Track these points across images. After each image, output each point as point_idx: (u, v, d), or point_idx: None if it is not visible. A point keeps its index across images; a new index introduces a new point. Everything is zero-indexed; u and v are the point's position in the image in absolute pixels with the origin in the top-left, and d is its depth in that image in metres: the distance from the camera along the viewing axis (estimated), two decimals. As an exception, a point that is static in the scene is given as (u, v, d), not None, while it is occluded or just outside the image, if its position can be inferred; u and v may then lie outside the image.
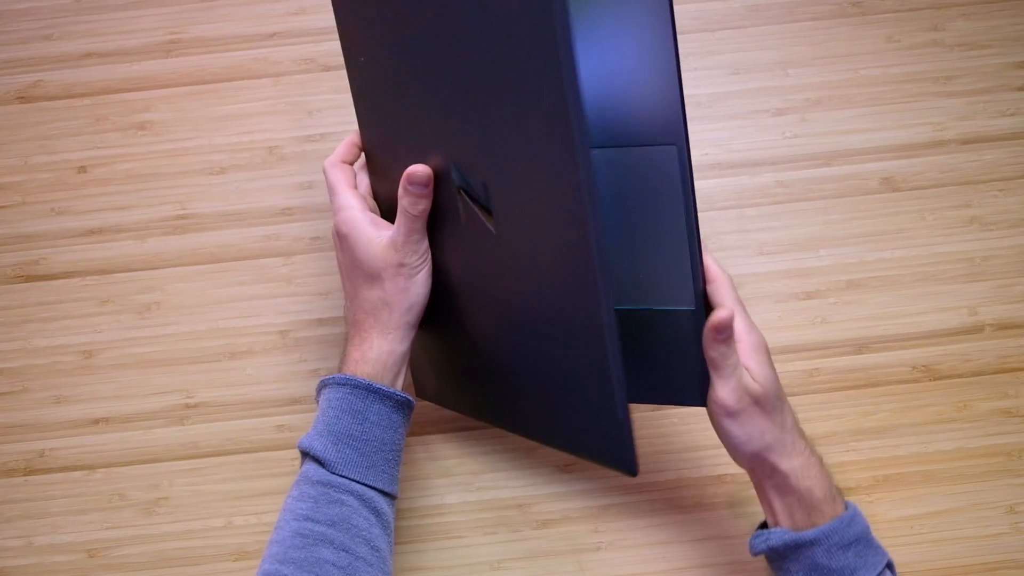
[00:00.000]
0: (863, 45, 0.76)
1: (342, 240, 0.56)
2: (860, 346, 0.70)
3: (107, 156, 0.75)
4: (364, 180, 0.60)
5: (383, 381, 0.55)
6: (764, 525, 0.57)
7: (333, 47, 0.77)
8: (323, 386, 0.56)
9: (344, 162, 0.59)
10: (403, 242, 0.54)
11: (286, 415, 0.69)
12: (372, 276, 0.55)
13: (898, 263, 0.72)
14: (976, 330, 0.70)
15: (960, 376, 0.70)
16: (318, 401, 0.56)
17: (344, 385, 0.54)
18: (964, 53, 0.76)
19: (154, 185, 0.74)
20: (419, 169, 0.54)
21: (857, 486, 0.68)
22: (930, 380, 0.70)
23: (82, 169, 0.74)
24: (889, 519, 0.67)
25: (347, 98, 0.75)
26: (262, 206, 0.73)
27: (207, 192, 0.74)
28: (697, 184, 0.73)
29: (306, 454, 0.54)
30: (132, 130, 0.75)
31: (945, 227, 0.72)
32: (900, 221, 0.73)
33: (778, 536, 0.53)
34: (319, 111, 0.75)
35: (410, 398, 0.56)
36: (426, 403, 0.69)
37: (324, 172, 0.58)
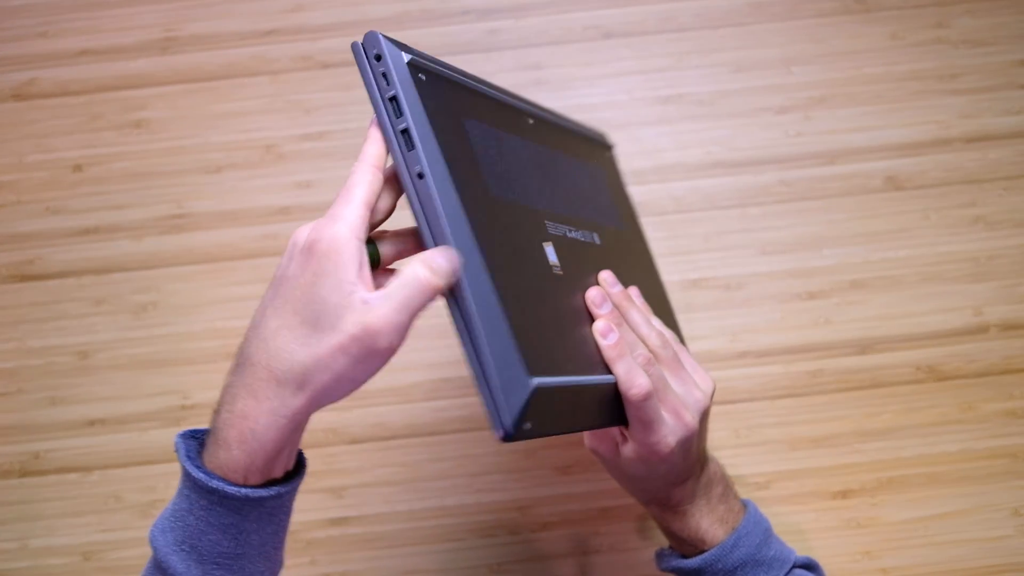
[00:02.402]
0: (867, 42, 0.75)
1: (311, 255, 0.40)
2: (864, 347, 0.69)
3: (102, 155, 0.74)
4: (386, 202, 0.44)
5: (269, 472, 0.41)
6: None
7: (331, 44, 0.76)
8: (185, 472, 0.40)
9: (378, 168, 0.43)
10: (407, 323, 0.39)
11: (284, 416, 0.69)
12: (325, 328, 0.38)
13: (902, 263, 0.71)
14: (981, 330, 0.70)
15: (965, 377, 0.69)
16: (177, 452, 0.42)
17: (211, 494, 0.39)
18: (969, 50, 0.75)
19: (150, 184, 0.73)
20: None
21: (861, 488, 0.67)
22: (935, 381, 0.69)
23: (77, 168, 0.74)
24: (893, 521, 0.66)
25: (345, 95, 0.75)
26: (259, 205, 0.73)
27: (204, 191, 0.73)
28: (699, 183, 0.73)
29: (159, 562, 0.41)
30: (128, 128, 0.74)
31: (950, 226, 0.72)
32: (904, 220, 0.72)
33: (666, 561, 0.53)
34: (317, 109, 0.74)
35: (302, 463, 0.44)
36: (424, 405, 0.68)
37: (351, 172, 0.43)
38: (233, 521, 0.40)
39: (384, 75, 0.42)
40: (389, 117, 0.42)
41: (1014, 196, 0.72)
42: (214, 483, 0.39)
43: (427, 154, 0.41)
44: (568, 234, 0.51)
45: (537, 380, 0.40)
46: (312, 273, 0.39)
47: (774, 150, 0.73)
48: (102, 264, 0.72)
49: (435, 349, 0.69)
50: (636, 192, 0.72)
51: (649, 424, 0.46)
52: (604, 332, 0.47)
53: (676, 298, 0.70)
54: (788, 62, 0.75)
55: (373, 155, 0.43)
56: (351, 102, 0.75)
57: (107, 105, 0.75)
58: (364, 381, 0.40)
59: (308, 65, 0.75)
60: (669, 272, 0.70)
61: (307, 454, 0.45)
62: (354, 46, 0.43)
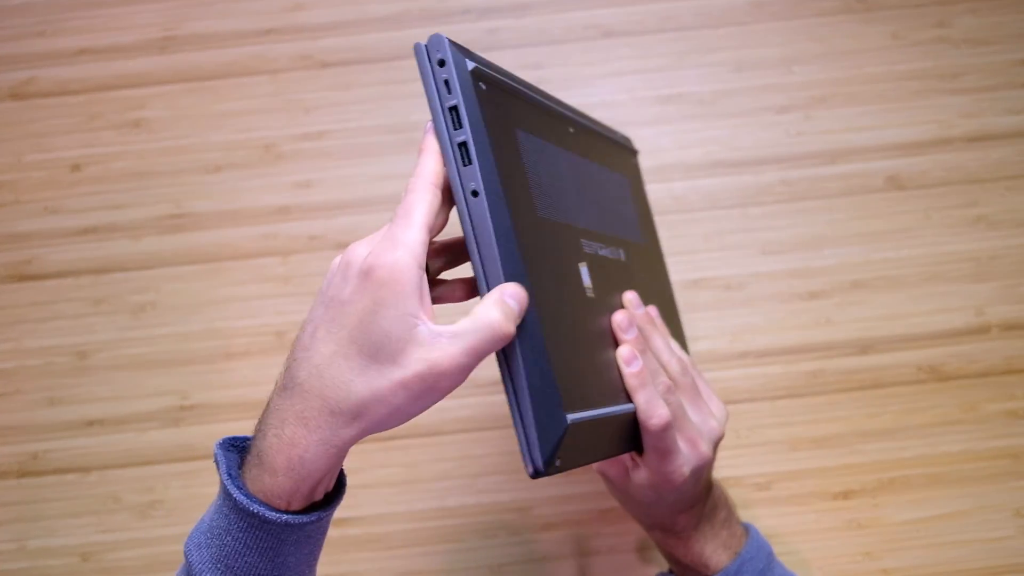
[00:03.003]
0: (868, 42, 0.75)
1: (369, 281, 0.38)
2: (865, 347, 0.69)
3: (101, 154, 0.74)
4: (440, 218, 0.41)
5: (312, 497, 0.40)
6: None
7: (331, 43, 0.76)
8: (226, 491, 0.39)
9: (437, 186, 0.41)
10: (471, 367, 0.39)
11: (283, 417, 0.69)
12: (384, 361, 0.37)
13: (903, 263, 0.71)
14: (983, 331, 0.70)
15: (966, 377, 0.69)
16: (217, 466, 0.41)
17: (252, 517, 0.38)
18: (970, 50, 0.75)
19: (149, 184, 0.73)
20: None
21: (862, 488, 0.67)
22: (936, 381, 0.69)
23: (76, 167, 0.74)
24: (895, 522, 0.66)
25: (344, 95, 0.75)
26: (258, 205, 0.73)
27: (202, 191, 0.73)
28: (700, 183, 0.73)
29: None
30: (126, 128, 0.74)
31: (951, 226, 0.71)
32: (905, 220, 0.72)
33: None
34: (316, 108, 0.74)
35: (342, 482, 0.43)
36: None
37: (409, 189, 0.40)
38: (272, 544, 0.39)
39: (446, 82, 0.41)
40: (447, 127, 0.41)
41: (1016, 196, 0.72)
42: (256, 508, 0.38)
43: (483, 171, 0.40)
44: (599, 252, 0.50)
45: (571, 417, 0.39)
46: (371, 300, 0.37)
47: (775, 150, 0.73)
48: (101, 264, 0.72)
49: (435, 349, 0.69)
50: (636, 192, 0.72)
51: (666, 453, 0.45)
52: (628, 360, 0.46)
53: (676, 298, 0.70)
54: (789, 61, 0.75)
55: (432, 172, 0.40)
56: (351, 101, 0.74)
57: (106, 104, 0.75)
58: (415, 415, 0.40)
59: (308, 64, 0.75)
60: (670, 272, 0.70)
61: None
62: (417, 48, 0.42)
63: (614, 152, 0.61)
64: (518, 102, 0.47)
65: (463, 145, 0.40)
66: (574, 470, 0.64)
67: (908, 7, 0.75)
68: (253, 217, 0.72)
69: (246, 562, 0.39)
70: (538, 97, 0.50)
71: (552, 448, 0.39)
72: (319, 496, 0.41)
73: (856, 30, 0.75)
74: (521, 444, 0.39)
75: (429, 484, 0.67)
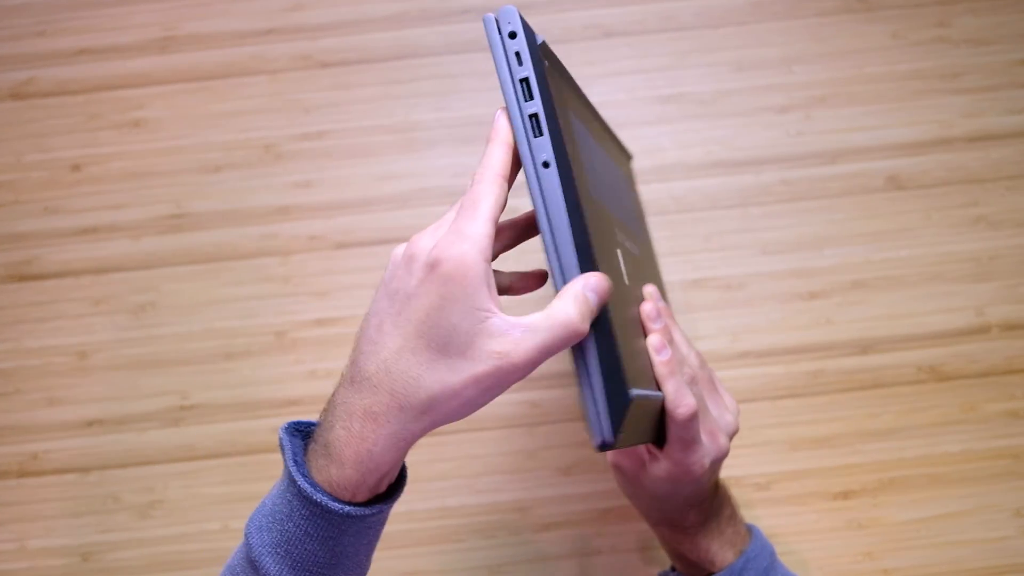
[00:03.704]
0: (868, 41, 0.75)
1: (435, 274, 0.37)
2: (865, 347, 0.69)
3: (101, 154, 0.74)
4: (500, 201, 0.40)
5: (377, 489, 0.40)
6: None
7: (330, 43, 0.76)
8: (291, 477, 0.39)
9: (505, 178, 0.40)
10: (540, 363, 0.38)
11: (283, 417, 0.68)
12: (454, 355, 0.37)
13: (904, 263, 0.71)
14: (983, 331, 0.69)
15: (967, 377, 0.69)
16: (282, 451, 0.41)
17: (315, 506, 0.38)
18: (971, 49, 0.75)
19: (149, 184, 0.73)
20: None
21: (862, 489, 0.67)
22: (936, 381, 0.69)
23: (76, 167, 0.73)
24: (895, 522, 0.66)
25: (344, 95, 0.75)
26: (258, 205, 0.73)
27: (202, 191, 0.73)
28: (700, 182, 0.72)
29: (253, 560, 0.40)
30: (126, 128, 0.74)
31: (952, 226, 0.71)
32: (906, 220, 0.72)
33: None
34: (316, 108, 0.74)
35: (404, 475, 0.43)
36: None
37: (476, 180, 0.40)
38: (333, 534, 0.39)
39: (518, 55, 0.41)
40: (518, 99, 0.41)
41: (1016, 196, 0.72)
42: (320, 497, 0.38)
43: (554, 142, 0.40)
44: (625, 242, 0.50)
45: (634, 392, 0.39)
46: (439, 296, 0.37)
47: (775, 149, 0.73)
48: (100, 264, 0.72)
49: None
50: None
51: (689, 444, 0.45)
52: (659, 348, 0.45)
53: (677, 298, 0.70)
54: (789, 61, 0.75)
55: (500, 163, 0.40)
56: (350, 101, 0.74)
57: (105, 104, 0.74)
58: (481, 407, 0.40)
59: (307, 64, 0.75)
60: (670, 272, 0.70)
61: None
62: (487, 20, 0.42)
63: (620, 152, 0.62)
64: (568, 85, 0.47)
65: (534, 116, 0.40)
66: (577, 472, 0.64)
67: (908, 7, 0.75)
68: (253, 217, 0.72)
69: (306, 549, 0.39)
70: (577, 85, 0.51)
71: (619, 420, 0.38)
72: (383, 488, 0.41)
73: (856, 30, 0.75)
74: (591, 416, 0.39)
75: (429, 484, 0.67)
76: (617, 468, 0.51)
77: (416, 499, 0.67)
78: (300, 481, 0.39)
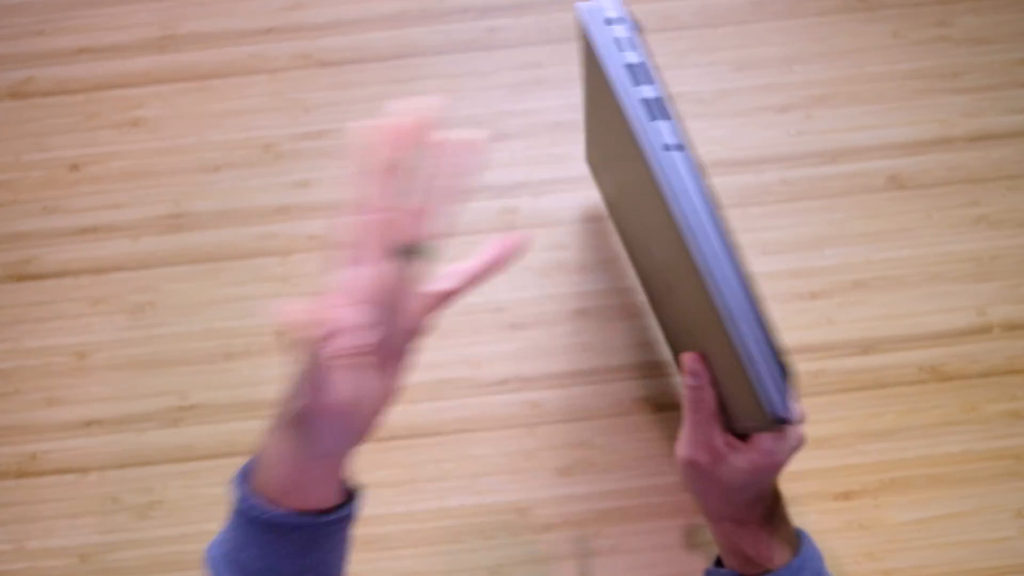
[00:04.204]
0: (869, 41, 0.75)
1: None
2: (866, 347, 0.69)
3: (100, 153, 0.73)
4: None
5: (305, 502, 0.41)
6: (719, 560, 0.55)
7: (329, 43, 0.76)
8: (239, 508, 0.42)
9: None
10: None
11: (282, 417, 0.68)
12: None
13: (905, 262, 0.71)
14: (984, 331, 0.69)
15: (968, 377, 0.68)
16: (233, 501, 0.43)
17: (243, 514, 0.41)
18: (971, 49, 0.74)
19: (148, 183, 0.73)
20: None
21: (863, 489, 0.67)
22: (937, 381, 0.68)
23: (75, 167, 0.73)
24: (896, 523, 0.66)
25: (343, 94, 0.75)
26: (258, 204, 0.72)
27: (202, 190, 0.73)
28: (700, 182, 0.72)
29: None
30: (125, 127, 0.74)
31: (952, 226, 0.71)
32: (907, 220, 0.71)
33: None
34: (316, 108, 0.74)
35: (351, 502, 0.44)
36: (424, 405, 0.68)
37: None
38: (269, 540, 0.41)
39: (628, 40, 0.40)
40: (629, 84, 0.39)
41: (1017, 195, 0.72)
42: (246, 504, 0.41)
43: (678, 124, 0.39)
44: None
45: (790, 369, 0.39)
46: None
47: (775, 149, 0.73)
48: (100, 264, 0.72)
49: (435, 349, 0.69)
50: (637, 191, 0.72)
51: (780, 433, 0.46)
52: None
53: (677, 298, 0.70)
54: (789, 60, 0.74)
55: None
56: (350, 101, 0.74)
57: (105, 104, 0.74)
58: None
59: (307, 64, 0.75)
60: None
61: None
62: (586, 7, 0.40)
63: None
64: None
65: (654, 101, 0.39)
66: (576, 473, 0.63)
67: (909, 6, 0.75)
68: (252, 217, 0.72)
69: (248, 555, 0.42)
70: None
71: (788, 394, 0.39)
72: (320, 504, 0.42)
73: (857, 29, 0.75)
74: (767, 392, 0.39)
75: (429, 484, 0.67)
76: (691, 464, 0.50)
77: (415, 499, 0.67)
78: (235, 492, 0.42)
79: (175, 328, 0.70)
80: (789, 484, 0.67)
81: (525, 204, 0.72)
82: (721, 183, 0.72)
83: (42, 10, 0.76)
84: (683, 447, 0.51)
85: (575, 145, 0.74)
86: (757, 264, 0.71)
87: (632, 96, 0.39)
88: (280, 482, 0.40)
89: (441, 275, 0.42)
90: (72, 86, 0.75)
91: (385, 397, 0.41)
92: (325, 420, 0.38)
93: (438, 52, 0.75)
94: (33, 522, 0.67)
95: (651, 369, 0.69)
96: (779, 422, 0.39)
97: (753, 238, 0.71)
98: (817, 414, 0.68)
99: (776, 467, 0.48)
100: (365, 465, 0.68)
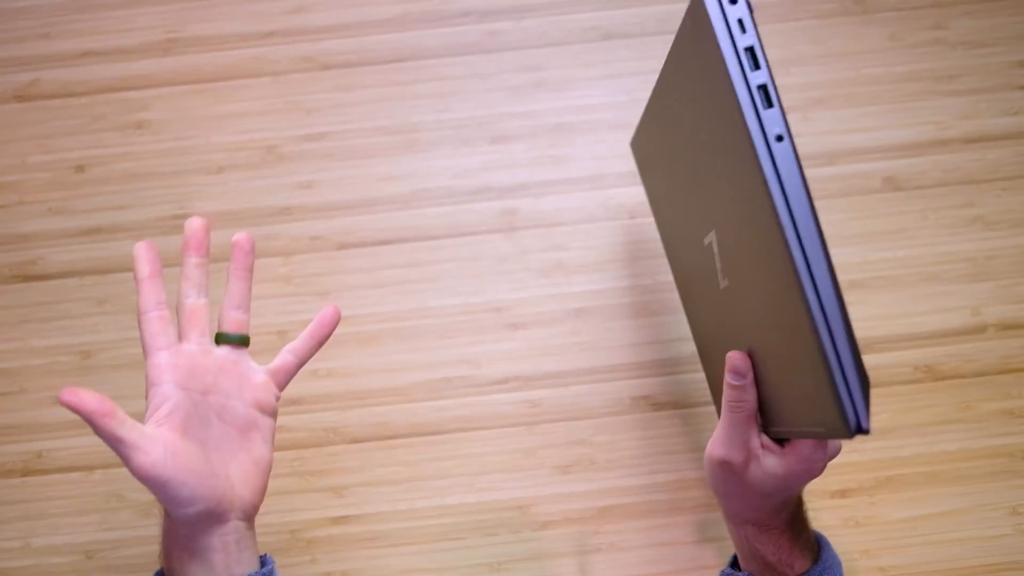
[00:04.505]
0: (865, 43, 0.75)
1: None
2: (863, 346, 0.70)
3: (105, 155, 0.74)
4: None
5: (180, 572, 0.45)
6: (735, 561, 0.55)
7: (332, 45, 0.76)
8: None
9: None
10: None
11: (285, 416, 0.69)
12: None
13: (901, 263, 0.71)
14: (979, 330, 0.70)
15: (963, 377, 0.69)
16: None
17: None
18: (967, 51, 0.75)
19: (152, 184, 0.74)
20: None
21: (860, 487, 0.67)
22: (933, 381, 0.69)
23: (80, 168, 0.74)
24: (892, 520, 0.67)
25: (345, 96, 0.75)
26: (261, 206, 0.73)
27: (205, 192, 0.73)
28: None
29: None
30: (130, 129, 0.75)
31: (948, 227, 0.72)
32: (903, 221, 0.72)
33: None
34: (318, 110, 0.75)
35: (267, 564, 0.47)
36: (424, 404, 0.69)
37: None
38: None
39: (740, 22, 0.38)
40: (744, 70, 0.38)
41: (1012, 196, 0.72)
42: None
43: (783, 114, 0.38)
44: None
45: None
46: None
47: (773, 151, 0.73)
48: (104, 264, 0.72)
49: (435, 349, 0.70)
50: (636, 193, 0.72)
51: (821, 440, 0.45)
52: None
53: (675, 298, 0.70)
54: (787, 63, 0.75)
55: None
56: (352, 103, 0.75)
57: (109, 106, 0.75)
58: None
59: (309, 66, 0.76)
60: (668, 272, 0.70)
61: (308, 454, 0.46)
62: None
63: None
64: None
65: (763, 87, 0.38)
66: (576, 470, 0.64)
67: (905, 9, 0.76)
68: (255, 218, 0.73)
69: None
70: None
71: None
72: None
73: (854, 32, 0.76)
74: (850, 401, 0.37)
75: (429, 482, 0.68)
76: (724, 463, 0.49)
77: (416, 497, 0.68)
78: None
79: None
80: (786, 482, 0.67)
81: (525, 205, 0.73)
82: (719, 184, 0.73)
83: (47, 13, 0.77)
84: (717, 446, 0.49)
85: (575, 147, 0.74)
86: (755, 264, 0.71)
87: (751, 80, 0.38)
88: (174, 557, 0.45)
89: (281, 352, 0.49)
90: (77, 88, 0.75)
91: (245, 462, 0.46)
92: (149, 486, 0.42)
93: (439, 55, 0.76)
94: (39, 520, 0.68)
95: (650, 368, 0.70)
96: (857, 432, 0.37)
97: (751, 239, 0.72)
98: (814, 413, 0.68)
99: (811, 474, 0.46)
100: (367, 463, 0.68)
